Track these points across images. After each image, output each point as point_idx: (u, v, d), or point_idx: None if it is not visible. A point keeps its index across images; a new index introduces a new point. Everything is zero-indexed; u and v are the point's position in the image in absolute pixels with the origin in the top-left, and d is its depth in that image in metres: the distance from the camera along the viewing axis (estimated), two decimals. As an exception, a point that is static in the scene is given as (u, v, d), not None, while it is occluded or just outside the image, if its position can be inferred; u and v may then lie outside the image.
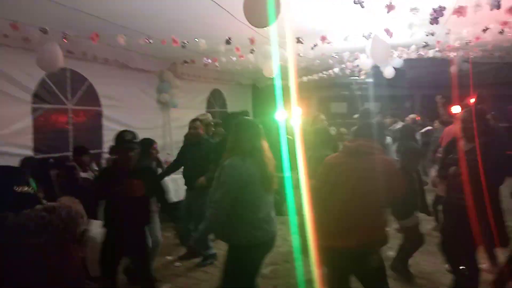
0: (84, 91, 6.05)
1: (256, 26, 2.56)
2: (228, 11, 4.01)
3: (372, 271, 2.62)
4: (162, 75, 7.36)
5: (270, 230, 2.85)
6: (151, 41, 4.70)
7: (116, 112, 6.49)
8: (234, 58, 6.02)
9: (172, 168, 5.21)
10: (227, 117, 4.19)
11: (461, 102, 6.65)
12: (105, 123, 6.35)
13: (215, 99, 9.74)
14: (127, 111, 6.70)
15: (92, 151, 5.38)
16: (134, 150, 3.21)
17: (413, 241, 2.89)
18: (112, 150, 3.30)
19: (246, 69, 7.78)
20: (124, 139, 3.20)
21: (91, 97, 6.20)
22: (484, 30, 4.96)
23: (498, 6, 3.67)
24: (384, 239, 2.62)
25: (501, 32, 4.98)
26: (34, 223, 1.50)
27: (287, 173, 4.14)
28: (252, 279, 2.91)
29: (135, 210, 3.22)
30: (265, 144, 2.90)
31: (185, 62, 6.96)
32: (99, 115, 6.33)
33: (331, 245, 2.63)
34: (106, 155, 5.83)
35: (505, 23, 4.68)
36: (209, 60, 6.33)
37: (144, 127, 6.80)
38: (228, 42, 4.87)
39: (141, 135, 5.91)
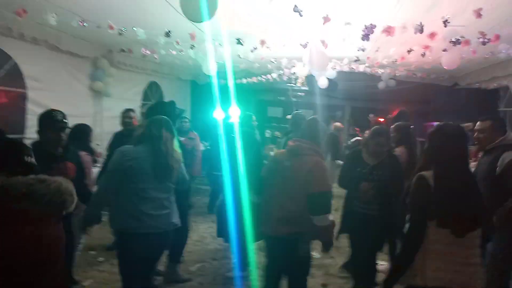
0: (7, 70, 5.59)
1: (191, 20, 2.58)
2: (168, 2, 3.97)
3: (299, 259, 2.88)
4: (97, 61, 7.02)
5: (152, 225, 2.79)
6: (85, 24, 4.49)
7: (43, 96, 6.04)
8: (174, 52, 5.94)
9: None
10: (150, 106, 4.12)
11: (386, 116, 7.16)
12: (30, 106, 5.89)
13: (152, 92, 9.50)
14: (55, 96, 6.28)
15: (11, 136, 5.00)
16: (65, 131, 3.08)
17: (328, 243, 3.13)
18: (43, 130, 3.01)
19: (185, 64, 7.71)
20: (55, 118, 3.01)
21: (15, 77, 5.73)
22: (409, 51, 5.41)
23: (421, 31, 4.05)
24: (313, 231, 2.86)
25: (423, 55, 5.46)
26: (20, 188, 1.64)
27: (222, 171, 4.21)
28: (135, 268, 2.85)
29: None
30: (167, 135, 2.90)
31: (122, 50, 6.73)
32: (23, 98, 5.88)
33: (267, 233, 3.02)
34: (29, 141, 5.45)
35: (426, 47, 5.14)
36: (148, 51, 6.19)
37: (73, 114, 6.32)
38: (167, 34, 4.80)
39: (70, 122, 5.65)
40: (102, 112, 7.46)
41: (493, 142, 3.22)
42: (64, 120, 3.08)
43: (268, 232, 3.01)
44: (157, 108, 3.76)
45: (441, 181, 2.07)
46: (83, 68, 6.91)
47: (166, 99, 9.77)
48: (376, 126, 3.84)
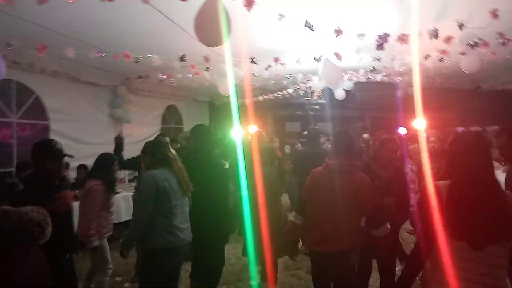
0: (31, 104, 5.79)
1: (207, 45, 2.60)
2: (182, 28, 4.03)
3: (348, 270, 3.00)
4: (116, 89, 7.21)
5: (183, 238, 3.12)
6: (102, 55, 4.61)
7: (64, 126, 6.24)
8: (190, 75, 6.03)
9: (131, 163, 5.08)
10: (192, 128, 4.19)
11: (406, 124, 7.01)
12: (53, 137, 6.08)
13: (171, 115, 9.64)
14: (77, 126, 6.47)
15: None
16: (64, 160, 2.99)
17: (388, 250, 3.14)
18: (41, 161, 2.88)
19: (202, 86, 7.80)
20: (55, 148, 2.89)
21: (38, 110, 5.94)
22: (426, 57, 5.31)
23: (436, 36, 3.98)
24: (358, 242, 2.96)
25: (441, 60, 5.35)
26: None
27: (244, 191, 4.17)
28: (164, 284, 3.12)
29: (65, 226, 2.96)
30: (175, 155, 3.24)
31: (140, 77, 6.86)
32: (46, 129, 6.07)
33: (315, 250, 3.06)
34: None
35: (443, 52, 5.04)
36: (164, 76, 6.29)
37: (94, 142, 6.60)
38: (182, 59, 4.87)
39: (92, 150, 5.74)
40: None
41: None
42: (61, 148, 2.96)
43: (320, 249, 3.01)
44: (196, 130, 3.91)
45: (455, 190, 1.94)
46: (103, 97, 7.11)
47: (185, 121, 9.91)
48: (384, 136, 3.68)
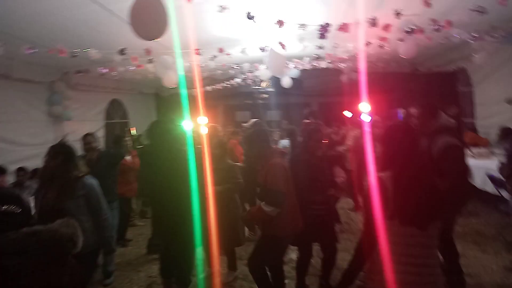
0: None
1: (144, 39, 2.48)
2: (122, 18, 3.84)
3: None
4: (53, 86, 6.77)
5: None
6: (35, 50, 4.29)
7: (-2, 127, 5.78)
8: (132, 68, 5.79)
9: None
10: (151, 125, 3.99)
11: (352, 107, 7.24)
12: (-16, 140, 5.62)
13: (115, 109, 9.25)
14: (11, 126, 5.99)
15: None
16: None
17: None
18: None
19: (146, 78, 7.54)
20: None
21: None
22: (367, 45, 5.48)
23: (374, 24, 4.11)
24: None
25: (381, 46, 5.55)
26: (14, 245, 1.52)
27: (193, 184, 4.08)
28: None
29: None
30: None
31: (79, 71, 6.49)
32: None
33: (287, 234, 3.25)
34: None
35: (383, 39, 5.22)
36: (105, 70, 6.00)
37: (32, 143, 6.18)
38: (122, 52, 4.66)
39: (30, 152, 5.33)
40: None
41: (428, 127, 3.39)
42: None
43: (292, 231, 3.24)
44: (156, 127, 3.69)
45: (398, 180, 2.01)
46: (39, 94, 6.63)
47: (130, 115, 9.57)
48: (311, 126, 3.84)
